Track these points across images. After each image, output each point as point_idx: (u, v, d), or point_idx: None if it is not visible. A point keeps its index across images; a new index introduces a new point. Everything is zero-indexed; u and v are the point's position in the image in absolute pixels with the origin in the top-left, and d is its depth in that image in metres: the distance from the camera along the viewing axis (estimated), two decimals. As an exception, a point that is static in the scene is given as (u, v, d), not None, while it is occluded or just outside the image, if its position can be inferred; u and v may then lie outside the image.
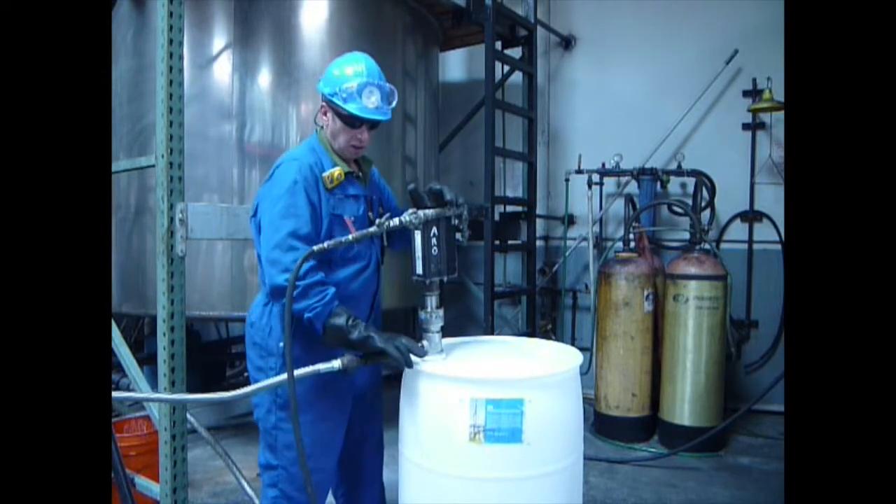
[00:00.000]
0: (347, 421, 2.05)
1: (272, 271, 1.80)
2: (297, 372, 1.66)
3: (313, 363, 1.74)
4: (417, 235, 1.76)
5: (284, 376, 1.66)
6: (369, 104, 1.91)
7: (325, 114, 2.00)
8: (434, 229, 1.76)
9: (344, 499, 2.21)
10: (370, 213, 2.05)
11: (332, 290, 1.78)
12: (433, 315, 1.81)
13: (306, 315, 1.75)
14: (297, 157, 1.96)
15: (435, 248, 1.76)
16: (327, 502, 2.13)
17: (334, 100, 1.94)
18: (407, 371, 1.80)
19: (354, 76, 1.93)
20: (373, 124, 1.96)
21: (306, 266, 1.74)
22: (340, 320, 1.74)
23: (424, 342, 1.81)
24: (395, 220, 1.76)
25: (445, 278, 1.80)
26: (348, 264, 1.96)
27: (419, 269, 1.78)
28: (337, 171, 1.93)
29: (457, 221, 1.81)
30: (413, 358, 1.75)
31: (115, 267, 3.76)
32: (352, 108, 1.91)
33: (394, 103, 2.00)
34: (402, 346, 1.71)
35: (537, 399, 1.60)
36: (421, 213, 1.75)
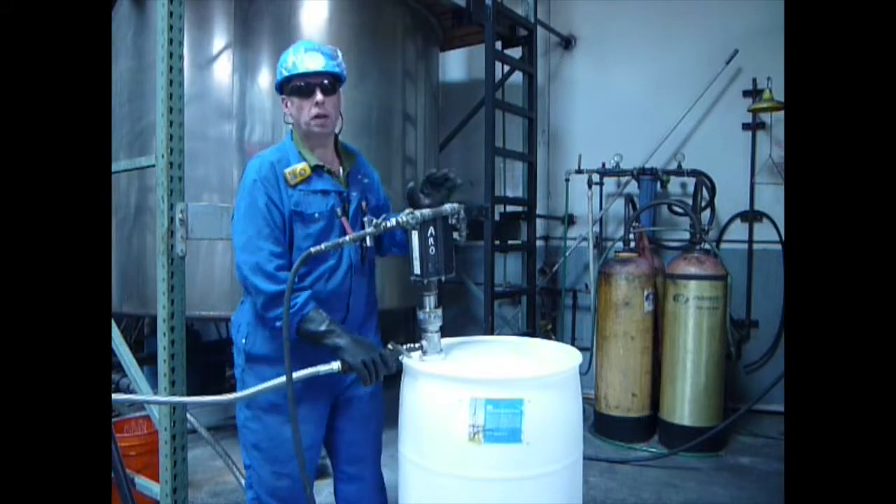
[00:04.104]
0: (321, 428, 1.97)
1: (242, 272, 1.81)
2: (296, 374, 1.66)
3: (278, 362, 1.73)
4: (414, 235, 1.76)
5: (282, 379, 1.65)
6: (312, 65, 1.86)
7: (285, 106, 1.94)
8: (431, 229, 1.76)
9: None
10: (342, 208, 1.93)
11: (302, 296, 1.76)
12: (432, 315, 1.81)
13: (277, 325, 1.76)
14: (261, 155, 1.92)
15: (432, 247, 1.76)
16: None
17: (282, 79, 1.91)
18: (406, 370, 1.80)
19: (292, 51, 1.91)
20: (326, 88, 1.87)
21: (272, 267, 1.77)
22: (313, 326, 1.74)
23: (423, 342, 1.81)
24: (392, 221, 1.75)
25: (443, 278, 1.80)
26: (313, 265, 1.87)
27: (417, 270, 1.79)
28: (300, 167, 1.87)
29: (454, 220, 1.80)
30: (411, 359, 1.76)
31: (115, 267, 3.76)
32: (294, 69, 1.87)
33: (339, 59, 1.93)
34: (371, 362, 1.70)
35: (537, 399, 1.60)
36: (418, 213, 1.75)
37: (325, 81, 1.87)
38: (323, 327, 1.74)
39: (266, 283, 1.77)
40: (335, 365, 1.70)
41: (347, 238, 1.74)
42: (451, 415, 1.60)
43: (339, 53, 1.95)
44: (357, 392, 2.00)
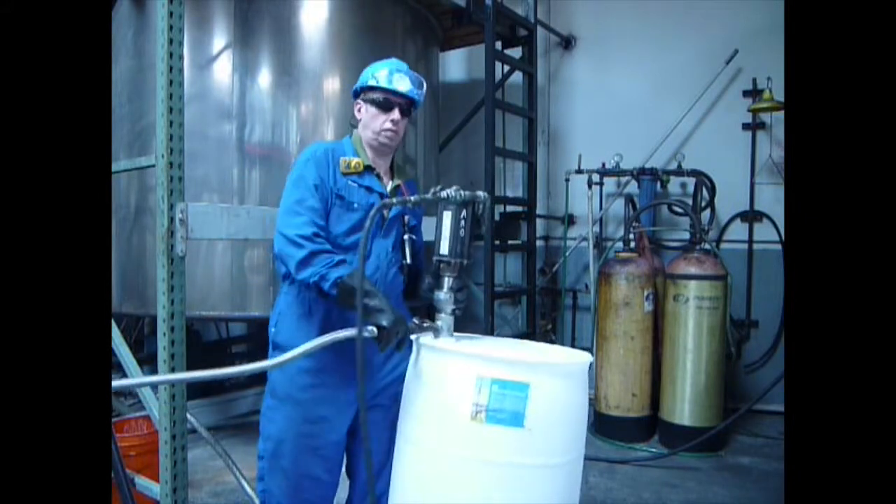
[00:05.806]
0: (342, 430, 1.96)
1: (278, 236, 1.87)
2: (318, 341, 1.60)
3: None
4: (448, 215, 1.77)
5: (287, 355, 1.59)
6: (401, 87, 1.97)
7: (358, 110, 2.05)
8: (464, 212, 1.77)
9: None
10: (383, 213, 1.98)
11: (335, 257, 1.81)
12: (450, 296, 1.81)
13: (312, 280, 1.79)
14: (318, 143, 2.06)
15: (463, 229, 1.76)
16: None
17: (366, 85, 2.00)
18: (414, 346, 1.79)
19: (384, 66, 2.01)
20: (405, 109, 1.99)
21: (310, 231, 1.81)
22: (357, 281, 1.66)
23: (438, 322, 1.80)
24: (443, 193, 1.74)
25: (465, 261, 1.79)
26: (343, 252, 1.89)
27: (444, 249, 1.77)
28: (355, 160, 1.98)
29: (480, 210, 1.80)
30: (422, 336, 1.76)
31: (115, 267, 3.76)
32: (384, 84, 1.97)
33: (423, 90, 2.03)
34: (401, 339, 1.69)
35: (543, 386, 1.57)
36: (462, 192, 1.75)
37: (404, 104, 1.99)
38: (368, 286, 1.70)
39: (304, 243, 1.80)
40: (372, 328, 1.66)
41: (394, 200, 1.75)
42: (455, 391, 1.58)
43: (424, 84, 2.06)
44: (383, 402, 1.99)
